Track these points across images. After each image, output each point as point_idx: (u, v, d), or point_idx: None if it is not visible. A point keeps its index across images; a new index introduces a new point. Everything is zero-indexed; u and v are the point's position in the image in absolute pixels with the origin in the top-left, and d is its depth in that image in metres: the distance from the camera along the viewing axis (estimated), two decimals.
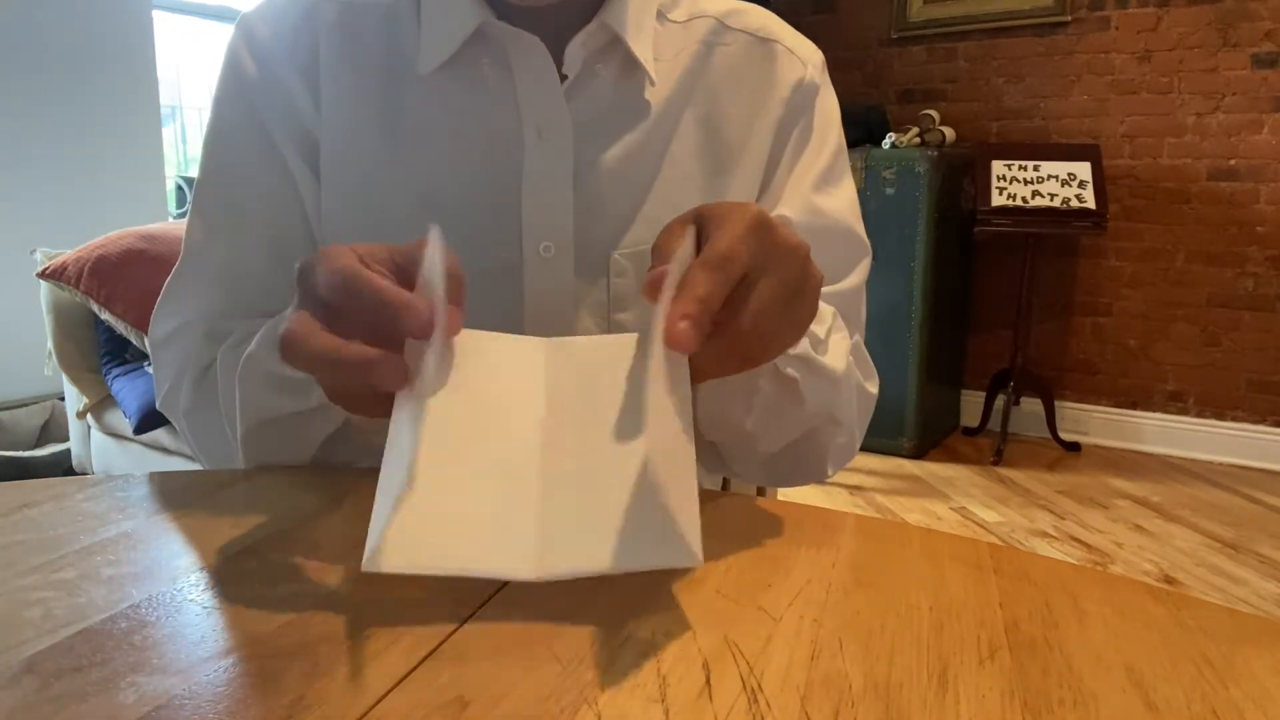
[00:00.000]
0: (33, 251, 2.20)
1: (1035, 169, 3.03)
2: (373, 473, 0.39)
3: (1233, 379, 3.09)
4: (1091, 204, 2.94)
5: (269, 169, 0.65)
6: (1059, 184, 3.00)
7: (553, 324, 0.65)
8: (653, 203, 0.66)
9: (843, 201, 0.70)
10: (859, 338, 0.70)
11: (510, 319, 0.65)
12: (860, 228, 0.71)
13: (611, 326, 0.66)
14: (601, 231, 0.65)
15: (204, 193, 0.67)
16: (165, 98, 2.87)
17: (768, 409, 0.58)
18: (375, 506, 0.36)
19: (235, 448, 0.60)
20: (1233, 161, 3.00)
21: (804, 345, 0.57)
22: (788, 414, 0.60)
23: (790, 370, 0.57)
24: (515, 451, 0.41)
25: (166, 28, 2.88)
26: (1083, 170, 2.99)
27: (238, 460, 0.61)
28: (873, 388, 0.70)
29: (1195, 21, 3.00)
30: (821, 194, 0.70)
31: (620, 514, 0.38)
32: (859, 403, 0.67)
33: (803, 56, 0.71)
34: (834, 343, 0.62)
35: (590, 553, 0.37)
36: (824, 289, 0.68)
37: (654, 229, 0.65)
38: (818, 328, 0.60)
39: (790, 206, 0.68)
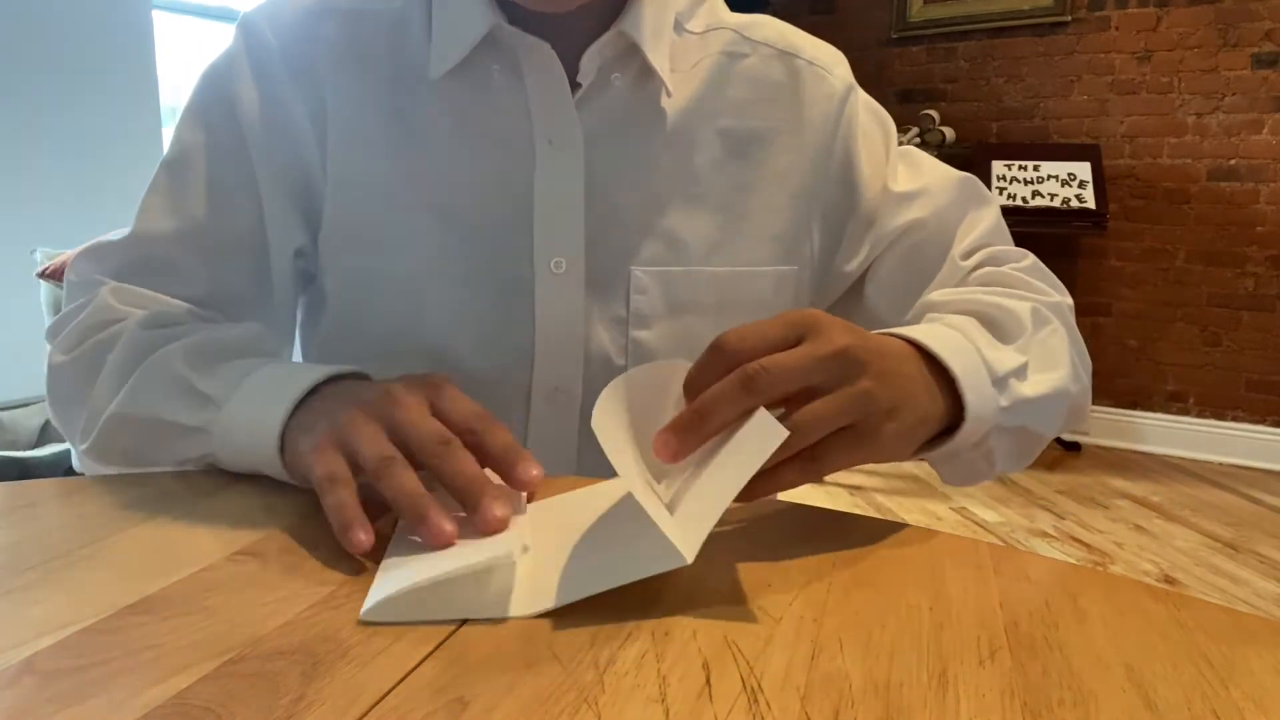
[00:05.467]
0: (33, 251, 2.20)
1: (1035, 169, 3.03)
2: None
3: (1233, 379, 3.09)
4: (1091, 204, 2.94)
5: (243, 202, 0.63)
6: (1059, 184, 3.00)
7: (565, 342, 0.64)
8: (670, 216, 0.66)
9: (926, 163, 0.71)
10: (1031, 259, 0.66)
11: (522, 337, 0.64)
12: (948, 168, 0.71)
13: (630, 344, 0.65)
14: (616, 245, 0.65)
15: (177, 177, 0.64)
16: (165, 98, 2.86)
17: (1011, 454, 0.56)
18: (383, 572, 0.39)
19: (81, 426, 0.57)
20: (1233, 161, 3.00)
21: (1009, 394, 0.52)
22: (1038, 442, 0.57)
23: (1014, 421, 0.53)
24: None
25: (166, 28, 2.87)
26: (1083, 170, 2.99)
27: (77, 437, 0.58)
28: (1067, 299, 0.64)
29: (1195, 21, 3.00)
30: (910, 176, 0.70)
31: (608, 534, 0.40)
32: (1066, 329, 0.60)
33: (825, 65, 0.70)
34: (1044, 349, 0.56)
35: (582, 578, 0.38)
36: (976, 232, 0.67)
37: (672, 243, 0.66)
38: (1012, 356, 0.54)
39: (899, 208, 0.68)
